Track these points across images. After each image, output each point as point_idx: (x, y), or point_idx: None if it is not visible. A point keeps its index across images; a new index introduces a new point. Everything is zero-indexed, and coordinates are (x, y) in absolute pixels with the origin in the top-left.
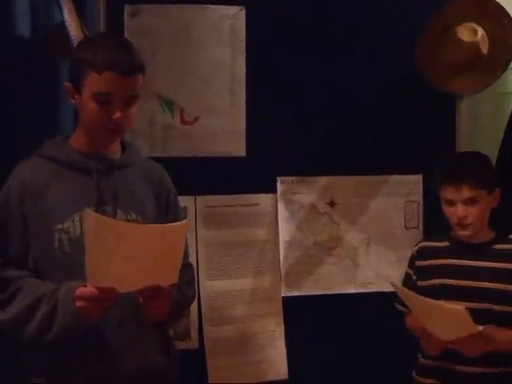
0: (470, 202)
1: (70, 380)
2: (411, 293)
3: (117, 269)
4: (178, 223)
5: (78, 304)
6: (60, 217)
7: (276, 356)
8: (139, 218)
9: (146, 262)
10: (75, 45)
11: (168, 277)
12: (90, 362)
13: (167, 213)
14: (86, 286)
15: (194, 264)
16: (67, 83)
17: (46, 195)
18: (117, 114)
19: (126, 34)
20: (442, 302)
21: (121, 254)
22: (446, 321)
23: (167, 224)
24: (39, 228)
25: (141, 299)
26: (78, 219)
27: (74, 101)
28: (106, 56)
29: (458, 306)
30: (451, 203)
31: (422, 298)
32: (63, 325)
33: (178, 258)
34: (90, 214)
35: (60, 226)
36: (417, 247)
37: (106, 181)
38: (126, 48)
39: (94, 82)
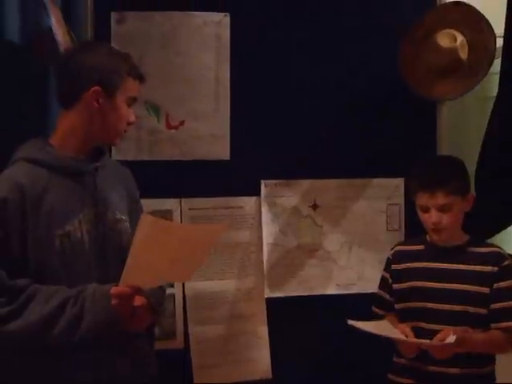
0: (444, 208)
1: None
2: (375, 328)
3: (150, 268)
4: (221, 224)
5: (113, 302)
6: (60, 222)
7: (260, 356)
8: (123, 216)
9: (175, 261)
10: (62, 51)
11: (184, 276)
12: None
13: (137, 205)
14: (116, 286)
15: None
16: (97, 87)
17: (45, 201)
18: (135, 117)
19: (112, 41)
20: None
21: (160, 253)
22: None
23: (213, 224)
24: (40, 233)
25: None
26: (77, 223)
27: (96, 104)
28: (135, 66)
29: (419, 340)
30: (426, 209)
31: (385, 334)
32: (93, 324)
33: (202, 258)
34: (148, 218)
35: (61, 231)
36: (392, 251)
37: (94, 183)
38: None
39: (131, 87)
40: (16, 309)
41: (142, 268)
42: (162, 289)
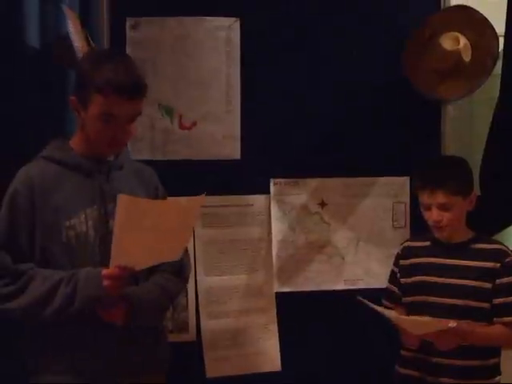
0: (444, 206)
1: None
2: (380, 308)
3: (137, 247)
4: (197, 197)
5: (105, 283)
6: (67, 215)
7: (269, 349)
8: None
9: (160, 239)
10: (80, 56)
11: (173, 254)
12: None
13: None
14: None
15: (191, 260)
16: (73, 97)
17: (53, 195)
18: (120, 134)
19: (127, 45)
20: (407, 318)
21: (143, 232)
22: (416, 324)
23: (188, 197)
24: (48, 225)
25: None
26: (83, 216)
27: (78, 114)
28: (112, 80)
29: (423, 317)
30: (427, 207)
31: (388, 312)
32: (84, 301)
33: (187, 235)
34: (123, 197)
35: (67, 223)
36: (401, 247)
37: (106, 181)
38: (131, 71)
39: (101, 103)
40: (17, 288)
41: (128, 248)
42: (163, 290)
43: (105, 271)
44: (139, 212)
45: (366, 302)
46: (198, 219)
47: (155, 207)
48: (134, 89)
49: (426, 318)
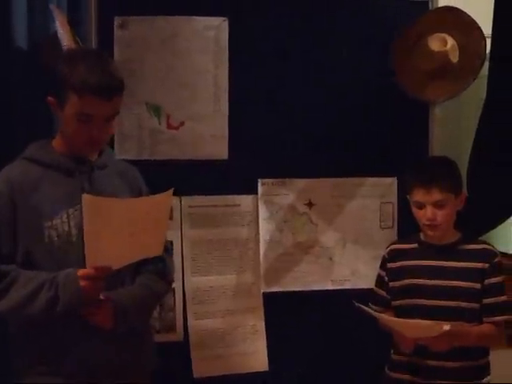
0: (438, 204)
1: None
2: (376, 314)
3: (111, 247)
4: (163, 193)
5: (81, 284)
6: (48, 215)
7: (257, 348)
8: None
9: (135, 236)
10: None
11: (153, 249)
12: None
13: None
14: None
15: (179, 260)
16: (50, 98)
17: (34, 195)
18: (96, 133)
19: (115, 45)
20: (405, 321)
21: (114, 231)
22: (413, 327)
23: (154, 195)
24: (30, 225)
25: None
26: (65, 216)
27: (56, 113)
28: (87, 80)
29: (419, 320)
30: (421, 206)
31: (386, 317)
32: (67, 304)
33: (163, 230)
34: (87, 197)
35: (49, 223)
36: (388, 249)
37: (87, 181)
38: (106, 70)
39: (76, 103)
40: (0, 290)
41: (102, 248)
42: (151, 291)
43: (80, 272)
44: (105, 211)
45: (362, 306)
46: (186, 219)
47: (121, 205)
48: (109, 89)
49: (423, 322)
